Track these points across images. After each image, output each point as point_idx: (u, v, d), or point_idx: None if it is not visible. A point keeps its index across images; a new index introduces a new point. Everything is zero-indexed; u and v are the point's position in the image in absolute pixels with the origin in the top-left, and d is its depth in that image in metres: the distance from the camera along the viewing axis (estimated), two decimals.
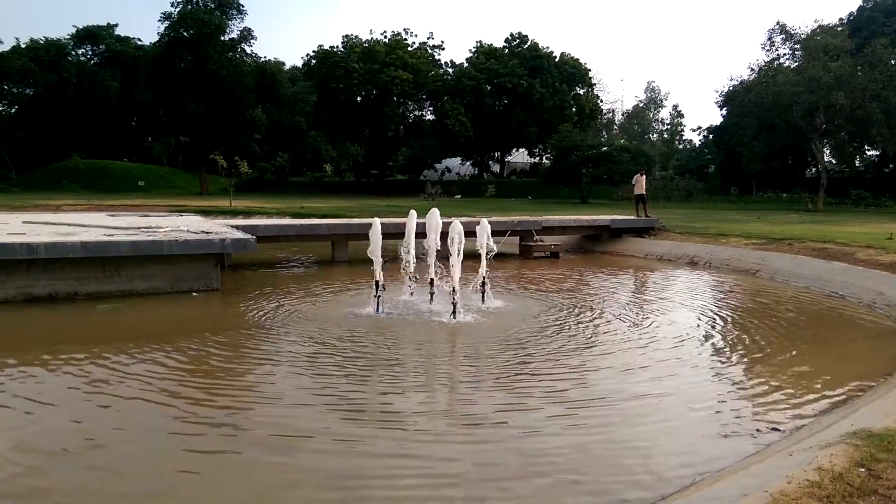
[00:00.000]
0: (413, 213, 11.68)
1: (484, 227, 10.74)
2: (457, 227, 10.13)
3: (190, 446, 5.25)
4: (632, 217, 23.00)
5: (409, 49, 59.82)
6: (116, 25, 68.43)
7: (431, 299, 10.58)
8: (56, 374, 7.06)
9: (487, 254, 10.69)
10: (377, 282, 10.37)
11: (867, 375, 7.33)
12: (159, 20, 52.27)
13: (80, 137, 64.38)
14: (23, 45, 63.19)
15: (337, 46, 57.72)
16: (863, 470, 4.00)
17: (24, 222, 15.97)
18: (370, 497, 4.50)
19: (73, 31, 66.39)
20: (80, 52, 67.28)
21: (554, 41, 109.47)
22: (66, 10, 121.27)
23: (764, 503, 3.64)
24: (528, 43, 62.64)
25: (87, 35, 66.62)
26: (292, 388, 6.75)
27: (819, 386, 6.99)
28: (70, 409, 6.05)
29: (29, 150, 61.77)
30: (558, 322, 9.99)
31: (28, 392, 6.49)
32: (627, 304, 12.06)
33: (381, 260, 10.44)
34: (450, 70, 63.67)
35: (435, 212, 11.13)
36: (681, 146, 78.43)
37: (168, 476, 4.75)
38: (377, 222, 10.93)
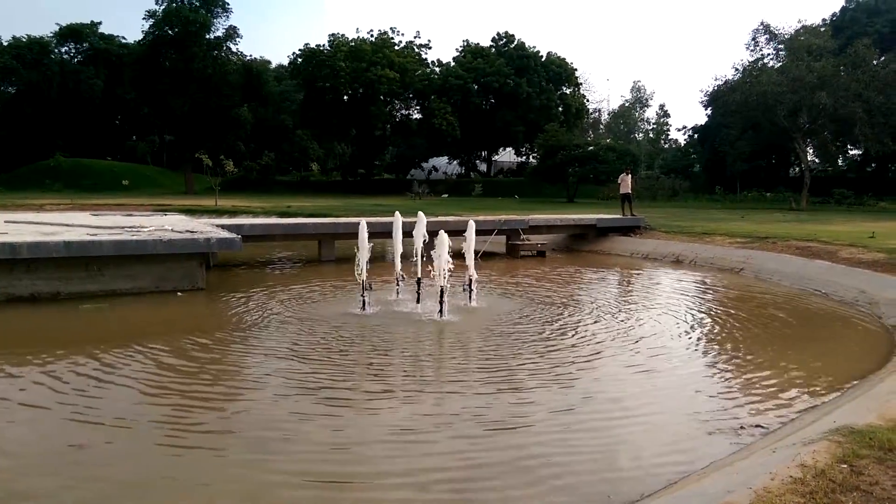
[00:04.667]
0: (398, 214, 11.67)
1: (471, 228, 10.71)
2: (443, 237, 10.06)
3: (173, 448, 5.20)
4: (618, 216, 23.10)
5: (396, 48, 59.75)
6: (100, 23, 68.06)
7: (418, 299, 10.57)
8: (37, 375, 6.96)
9: (476, 254, 10.69)
10: (363, 281, 10.35)
11: (850, 372, 7.40)
12: (144, 18, 51.93)
13: (64, 136, 63.81)
14: (5, 43, 62.57)
15: (323, 45, 57.58)
16: (845, 466, 4.04)
17: (6, 222, 15.79)
18: (354, 494, 4.48)
19: (57, 28, 65.92)
20: (63, 50, 66.74)
21: (540, 41, 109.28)
22: (49, 7, 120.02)
23: (748, 500, 3.67)
24: (515, 42, 62.76)
25: (70, 33, 66.04)
26: (278, 387, 6.70)
27: (802, 383, 7.05)
28: (51, 410, 5.98)
29: (11, 149, 61.17)
30: (542, 321, 10.01)
31: (8, 393, 6.41)
32: (612, 302, 12.11)
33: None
34: (437, 69, 63.64)
35: (421, 215, 11.13)
36: (666, 146, 78.91)
37: (151, 478, 4.70)
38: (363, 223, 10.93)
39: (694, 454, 5.13)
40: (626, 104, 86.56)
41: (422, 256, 10.69)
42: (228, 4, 53.38)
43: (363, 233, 10.54)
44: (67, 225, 14.89)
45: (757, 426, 5.72)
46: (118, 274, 11.84)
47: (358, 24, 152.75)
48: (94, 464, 4.92)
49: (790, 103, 35.12)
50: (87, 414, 5.88)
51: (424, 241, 10.82)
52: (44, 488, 4.54)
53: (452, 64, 62.85)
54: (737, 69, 42.66)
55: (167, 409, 6.03)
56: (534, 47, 62.57)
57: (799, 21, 42.62)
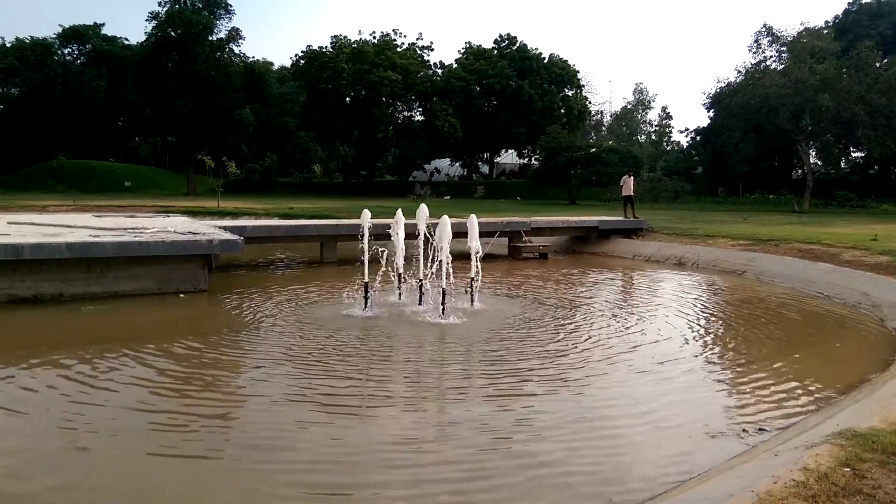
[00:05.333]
0: (399, 212, 11.70)
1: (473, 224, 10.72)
2: (445, 221, 10.14)
3: (174, 450, 5.20)
4: (620, 218, 23.07)
5: (399, 50, 59.73)
6: (103, 25, 68.18)
7: (420, 301, 10.57)
8: (39, 377, 6.97)
9: (476, 255, 10.69)
10: (366, 283, 10.37)
11: (852, 375, 7.39)
12: (146, 20, 51.95)
13: (66, 137, 63.89)
14: (8, 45, 62.71)
15: (326, 47, 57.59)
16: (848, 470, 4.03)
17: (9, 223, 15.81)
18: (356, 498, 4.48)
19: (60, 30, 66.03)
20: (66, 51, 66.85)
21: (542, 42, 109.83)
22: (52, 9, 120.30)
23: (750, 503, 3.66)
24: (517, 44, 62.72)
25: (73, 34, 66.14)
26: (279, 389, 6.70)
27: (804, 386, 7.04)
28: (53, 412, 5.99)
29: (14, 150, 61.28)
30: (544, 324, 10.01)
31: (10, 395, 6.42)
32: (615, 305, 12.10)
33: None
34: (439, 71, 63.63)
35: (423, 207, 11.16)
36: (668, 148, 78.78)
37: (151, 480, 4.71)
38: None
39: (696, 457, 5.12)
40: (629, 106, 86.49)
41: (424, 254, 10.71)
42: (231, 6, 53.52)
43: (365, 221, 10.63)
44: (70, 226, 14.92)
45: (759, 429, 5.71)
46: (121, 275, 11.85)
47: (360, 26, 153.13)
48: (93, 466, 4.92)
49: (792, 105, 35.08)
50: (84, 417, 5.85)
51: (426, 234, 10.84)
52: (38, 492, 4.54)
53: (455, 66, 62.81)
54: (739, 71, 42.60)
55: (163, 415, 5.99)
56: (536, 49, 62.59)
57: (801, 23, 42.38)
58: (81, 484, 4.65)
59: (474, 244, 10.48)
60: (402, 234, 11.26)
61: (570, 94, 64.28)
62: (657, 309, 11.54)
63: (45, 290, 11.30)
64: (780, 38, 40.96)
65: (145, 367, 7.40)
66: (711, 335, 9.48)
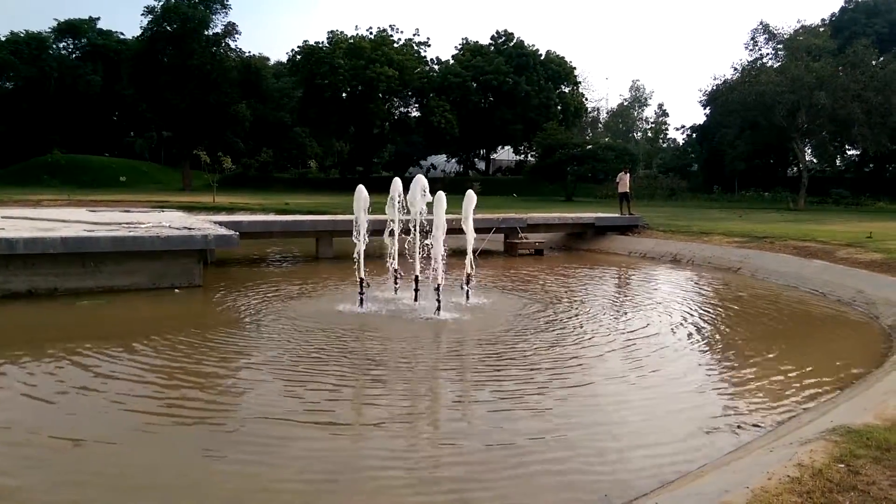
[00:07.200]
0: (397, 179, 11.64)
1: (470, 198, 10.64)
2: (441, 197, 10.12)
3: (169, 447, 5.19)
4: (616, 215, 23.10)
5: (395, 46, 59.58)
6: (98, 19, 68.06)
7: (416, 297, 10.56)
8: (33, 372, 6.95)
9: (473, 252, 10.66)
10: (361, 279, 10.35)
11: (847, 372, 7.41)
12: (142, 14, 51.67)
13: (61, 132, 63.66)
14: (2, 38, 62.43)
15: (322, 42, 57.42)
16: (842, 466, 4.04)
17: (2, 217, 15.75)
18: (353, 498, 4.47)
19: (55, 24, 65.76)
20: (61, 45, 66.61)
21: (539, 39, 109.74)
22: (47, 2, 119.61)
23: (745, 499, 3.66)
24: (514, 41, 62.66)
25: (68, 28, 65.91)
26: (274, 386, 6.69)
27: (799, 383, 7.05)
28: (48, 407, 5.96)
29: (8, 145, 61.07)
30: (541, 320, 10.01)
31: (4, 390, 6.40)
32: (610, 301, 12.12)
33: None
34: (436, 67, 63.52)
35: (420, 177, 11.11)
36: (665, 145, 78.84)
37: (147, 477, 4.69)
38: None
39: (691, 453, 5.13)
40: (625, 103, 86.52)
41: (420, 246, 10.70)
42: (227, 1, 53.26)
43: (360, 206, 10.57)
44: (65, 221, 14.86)
45: (754, 425, 5.72)
46: (115, 270, 11.82)
47: (357, 22, 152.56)
48: (88, 463, 4.90)
49: (789, 103, 35.13)
50: (75, 412, 5.84)
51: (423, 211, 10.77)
52: (41, 486, 4.52)
53: (451, 62, 62.72)
54: (735, 69, 42.74)
55: (162, 407, 5.99)
56: (533, 46, 62.51)
57: (798, 21, 42.73)
58: (77, 480, 4.62)
59: (469, 223, 10.40)
60: (397, 201, 11.20)
61: (566, 90, 64.26)
62: (651, 305, 11.54)
63: (39, 284, 11.26)
64: (777, 36, 41.06)
65: (141, 361, 7.37)
66: (705, 331, 9.49)
